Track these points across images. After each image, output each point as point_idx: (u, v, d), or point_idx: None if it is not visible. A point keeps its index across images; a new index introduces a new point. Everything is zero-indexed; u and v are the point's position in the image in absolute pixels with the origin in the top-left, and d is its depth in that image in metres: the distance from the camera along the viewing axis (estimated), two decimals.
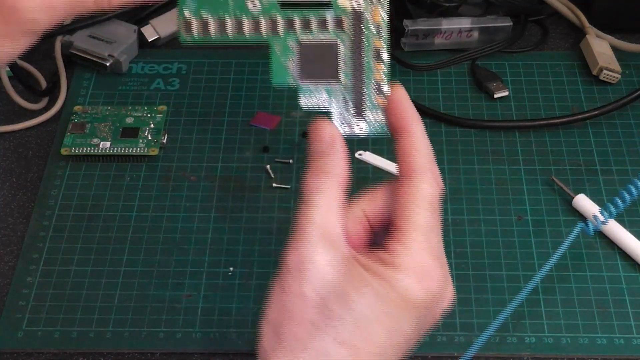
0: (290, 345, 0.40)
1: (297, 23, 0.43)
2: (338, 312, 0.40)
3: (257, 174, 0.68)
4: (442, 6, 0.78)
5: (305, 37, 0.43)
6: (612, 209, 0.59)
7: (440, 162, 0.68)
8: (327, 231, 0.40)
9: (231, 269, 0.63)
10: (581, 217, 0.65)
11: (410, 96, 0.73)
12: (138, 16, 0.80)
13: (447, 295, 0.42)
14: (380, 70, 0.44)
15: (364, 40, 0.43)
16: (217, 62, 0.77)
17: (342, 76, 0.44)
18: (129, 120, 0.71)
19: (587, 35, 0.77)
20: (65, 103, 0.74)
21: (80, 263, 0.63)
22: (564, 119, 0.72)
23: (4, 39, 0.45)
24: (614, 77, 0.74)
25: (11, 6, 0.43)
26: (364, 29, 0.43)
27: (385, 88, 0.44)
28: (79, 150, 0.69)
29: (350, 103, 0.44)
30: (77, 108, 0.72)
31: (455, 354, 0.58)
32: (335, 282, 0.40)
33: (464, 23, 0.77)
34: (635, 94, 0.72)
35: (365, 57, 0.44)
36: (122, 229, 0.65)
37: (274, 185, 0.67)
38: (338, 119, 0.43)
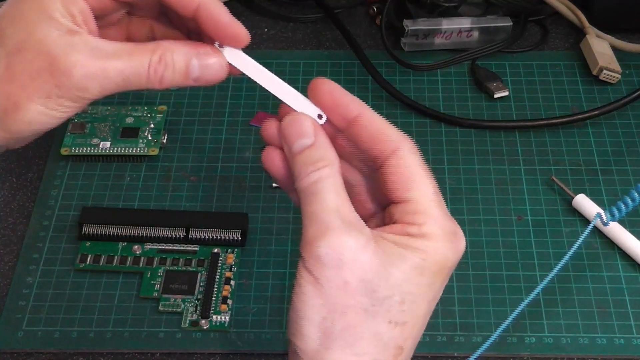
0: (344, 338, 0.39)
1: (168, 261, 0.61)
2: (385, 292, 0.39)
3: (257, 174, 0.68)
4: (442, 6, 0.78)
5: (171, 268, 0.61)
6: (622, 207, 0.58)
7: (440, 162, 0.69)
8: (345, 216, 0.40)
9: None
10: (581, 217, 0.65)
11: (410, 96, 0.74)
12: None
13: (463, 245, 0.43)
14: (228, 290, 0.59)
15: (218, 271, 0.61)
16: None
17: (196, 292, 0.59)
18: (129, 120, 0.71)
19: (587, 35, 0.77)
20: None
21: None
22: (564, 119, 0.72)
23: (51, 102, 0.43)
24: (614, 77, 0.74)
25: (65, 71, 0.42)
26: (218, 265, 0.61)
27: (228, 301, 0.59)
28: (79, 150, 0.69)
29: (200, 306, 0.59)
30: None
31: (456, 354, 0.58)
32: (373, 264, 0.39)
33: (464, 23, 0.77)
34: (635, 94, 0.72)
35: (217, 280, 0.60)
36: None
37: (274, 185, 0.67)
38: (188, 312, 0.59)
